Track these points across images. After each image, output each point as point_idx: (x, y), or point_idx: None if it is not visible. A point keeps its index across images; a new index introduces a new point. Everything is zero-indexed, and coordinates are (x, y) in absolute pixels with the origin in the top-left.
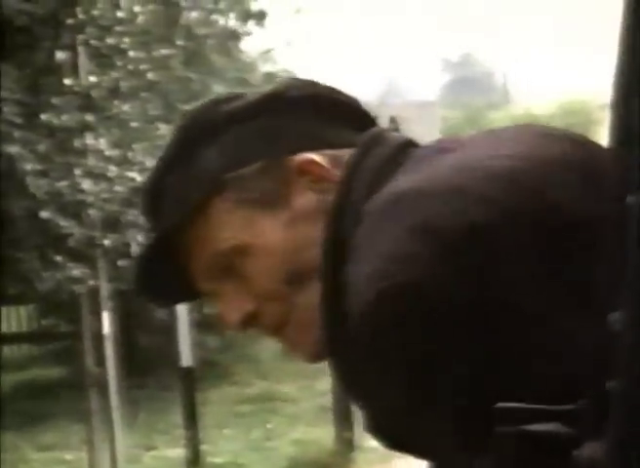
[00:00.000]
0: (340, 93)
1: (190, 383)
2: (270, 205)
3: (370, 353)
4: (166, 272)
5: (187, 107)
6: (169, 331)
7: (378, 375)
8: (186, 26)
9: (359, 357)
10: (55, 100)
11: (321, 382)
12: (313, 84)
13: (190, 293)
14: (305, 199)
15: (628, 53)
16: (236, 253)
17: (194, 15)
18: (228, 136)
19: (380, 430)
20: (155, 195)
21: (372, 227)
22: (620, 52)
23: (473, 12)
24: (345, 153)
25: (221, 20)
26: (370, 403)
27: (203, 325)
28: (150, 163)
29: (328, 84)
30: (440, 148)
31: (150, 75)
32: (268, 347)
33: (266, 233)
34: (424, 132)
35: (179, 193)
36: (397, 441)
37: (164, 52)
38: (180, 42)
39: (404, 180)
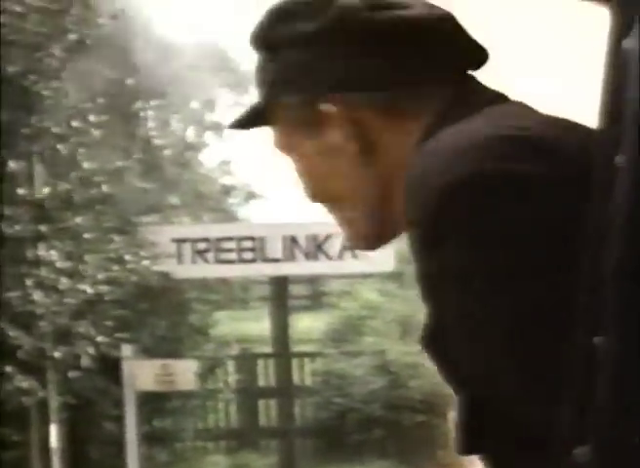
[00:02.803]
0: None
1: None
2: (308, 133)
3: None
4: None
5: (142, 219)
6: (118, 443)
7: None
8: (144, 138)
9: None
10: (8, 211)
11: None
12: (371, 17)
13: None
14: (333, 135)
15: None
16: (292, 155)
17: (151, 125)
18: (282, 60)
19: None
20: (259, 47)
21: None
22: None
23: None
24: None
25: (179, 132)
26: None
27: (152, 438)
28: (102, 276)
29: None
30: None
31: (105, 187)
32: (217, 462)
33: (305, 156)
34: None
35: (262, 75)
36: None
37: (119, 163)
38: (136, 155)
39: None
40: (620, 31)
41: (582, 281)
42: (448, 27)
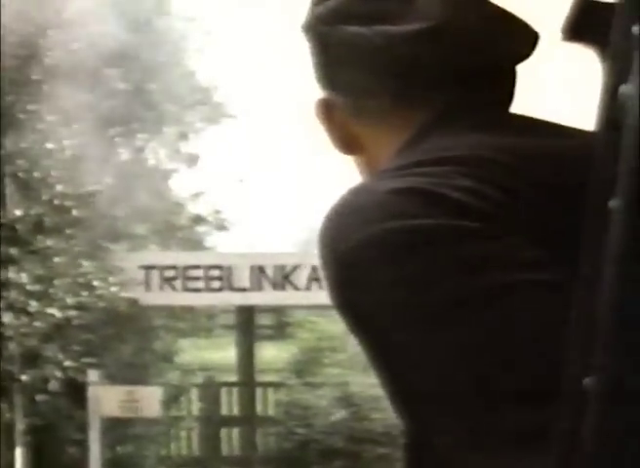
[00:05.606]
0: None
1: None
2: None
3: None
4: None
5: (112, 246)
6: None
7: None
8: (118, 163)
9: None
10: None
11: None
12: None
13: None
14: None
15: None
16: None
17: (124, 152)
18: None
19: None
20: None
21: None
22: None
23: None
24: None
25: (152, 160)
26: None
27: (115, 464)
28: (71, 300)
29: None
30: None
31: (76, 211)
32: None
33: None
34: None
35: None
36: None
37: (91, 188)
38: (109, 180)
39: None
40: (617, 78)
41: (574, 325)
42: (431, 43)
